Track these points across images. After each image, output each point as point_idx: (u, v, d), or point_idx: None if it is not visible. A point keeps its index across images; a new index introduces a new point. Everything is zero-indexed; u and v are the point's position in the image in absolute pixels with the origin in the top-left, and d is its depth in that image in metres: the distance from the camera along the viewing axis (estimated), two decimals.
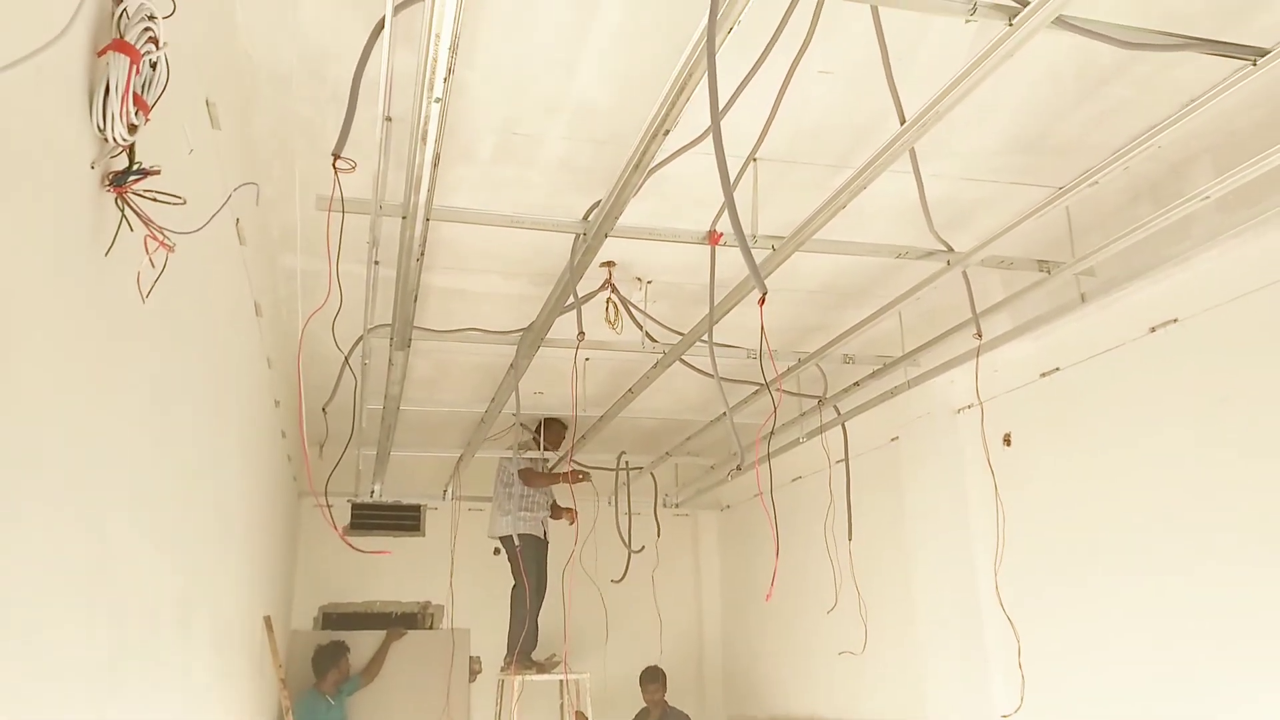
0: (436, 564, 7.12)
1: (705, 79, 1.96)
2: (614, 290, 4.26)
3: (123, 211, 1.52)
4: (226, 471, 3.46)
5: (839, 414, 5.25)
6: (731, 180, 3.30)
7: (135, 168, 1.50)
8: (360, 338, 4.11)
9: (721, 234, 3.40)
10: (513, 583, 6.40)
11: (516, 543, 6.22)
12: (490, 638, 6.98)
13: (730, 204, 1.77)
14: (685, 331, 4.19)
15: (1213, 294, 3.51)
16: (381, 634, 7.08)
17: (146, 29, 1.45)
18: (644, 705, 6.78)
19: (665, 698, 6.72)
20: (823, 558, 5.70)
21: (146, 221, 1.54)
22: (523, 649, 6.17)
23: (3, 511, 1.23)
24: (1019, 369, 4.45)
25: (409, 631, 7.22)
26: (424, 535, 7.62)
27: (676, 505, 7.77)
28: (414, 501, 7.57)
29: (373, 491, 6.75)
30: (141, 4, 1.45)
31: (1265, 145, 2.82)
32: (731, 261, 3.53)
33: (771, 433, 5.23)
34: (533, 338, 4.15)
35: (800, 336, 5.15)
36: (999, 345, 4.14)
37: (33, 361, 1.32)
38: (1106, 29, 2.30)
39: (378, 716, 6.87)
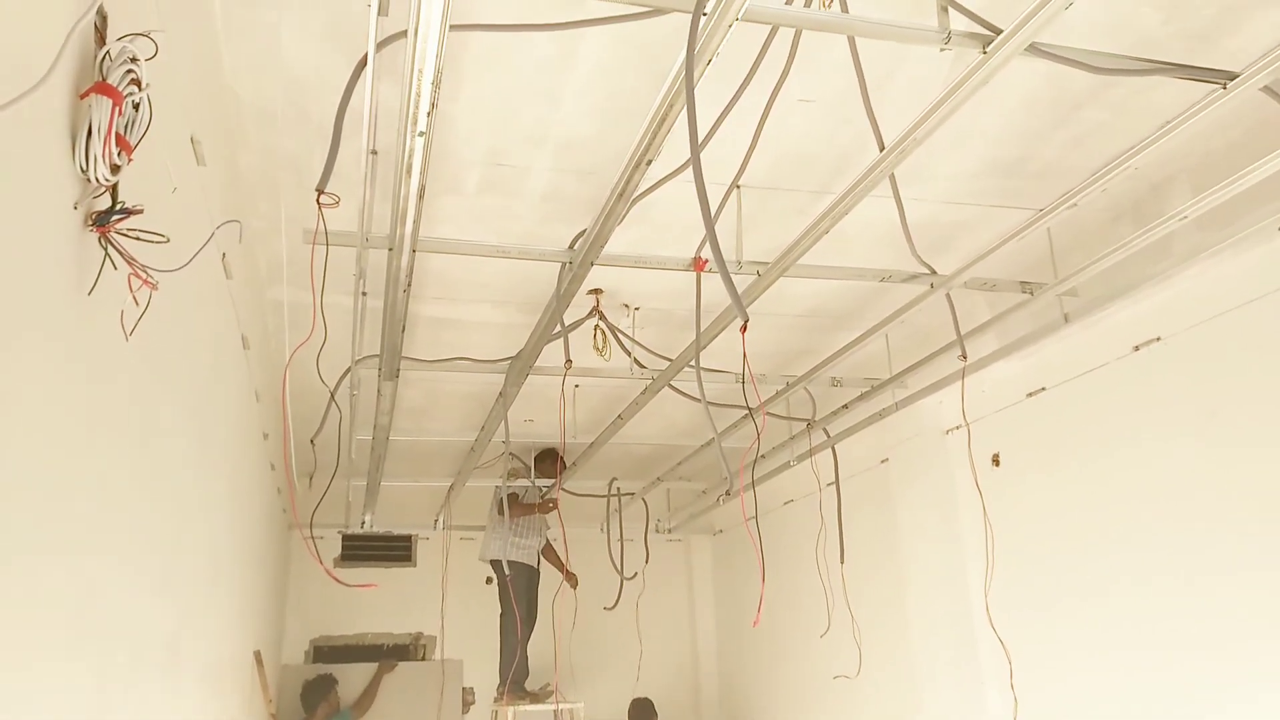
0: (428, 594, 7.08)
1: (685, 111, 1.98)
2: (601, 317, 4.28)
3: (106, 250, 1.52)
4: (215, 506, 3.44)
5: (828, 437, 5.26)
6: (715, 207, 3.36)
7: (118, 207, 1.51)
8: (348, 369, 4.12)
9: (706, 260, 3.43)
10: (500, 610, 6.35)
11: (507, 570, 6.19)
12: (483, 668, 6.93)
13: (711, 235, 1.79)
14: (673, 357, 4.20)
15: (1194, 312, 3.54)
16: (373, 667, 7.02)
17: (129, 71, 1.46)
18: None
19: None
20: (815, 581, 5.69)
21: (129, 260, 1.55)
22: (515, 679, 6.12)
23: None
24: (1006, 389, 4.47)
25: (401, 664, 7.15)
26: (415, 565, 7.57)
27: (669, 531, 7.75)
28: (405, 531, 7.54)
29: (363, 522, 6.72)
30: (124, 47, 1.46)
31: (1240, 165, 2.86)
32: (718, 287, 3.53)
33: (756, 460, 5.24)
34: (521, 366, 4.16)
35: (788, 360, 5.17)
36: (985, 366, 4.16)
37: (14, 402, 1.32)
38: (1079, 55, 2.34)
39: None
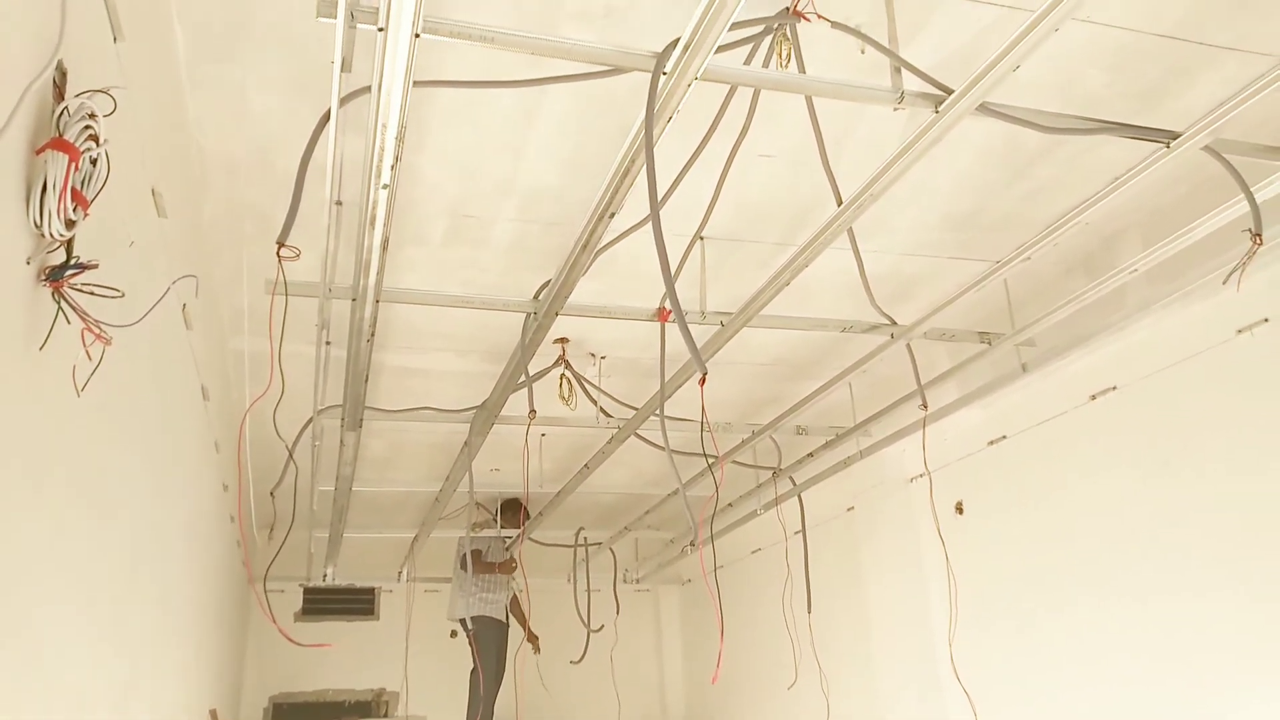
0: (391, 649, 6.95)
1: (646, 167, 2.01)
2: (567, 366, 4.29)
3: (59, 305, 1.51)
4: (170, 558, 3.37)
5: (794, 485, 5.27)
6: (679, 257, 3.39)
7: (73, 262, 1.50)
8: (310, 420, 4.07)
9: (670, 311, 3.45)
10: (472, 666, 6.25)
11: (470, 626, 6.10)
12: None
13: (671, 291, 1.81)
14: (640, 406, 4.21)
15: (1148, 362, 3.62)
16: None
17: (87, 127, 1.46)
18: None
19: None
20: (783, 631, 5.65)
21: (82, 315, 1.54)
22: None
23: None
24: (968, 438, 4.52)
25: None
26: (378, 619, 7.44)
27: (637, 581, 7.68)
28: (368, 584, 7.42)
29: (325, 575, 6.60)
30: (83, 103, 1.47)
31: (1188, 219, 2.95)
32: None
33: (715, 513, 5.23)
34: (486, 415, 4.14)
35: (754, 409, 5.19)
36: (947, 414, 4.21)
37: None
38: (1028, 115, 2.41)
39: None
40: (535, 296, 3.35)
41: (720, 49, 1.95)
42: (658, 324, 3.54)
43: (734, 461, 5.13)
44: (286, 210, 2.56)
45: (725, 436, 5.02)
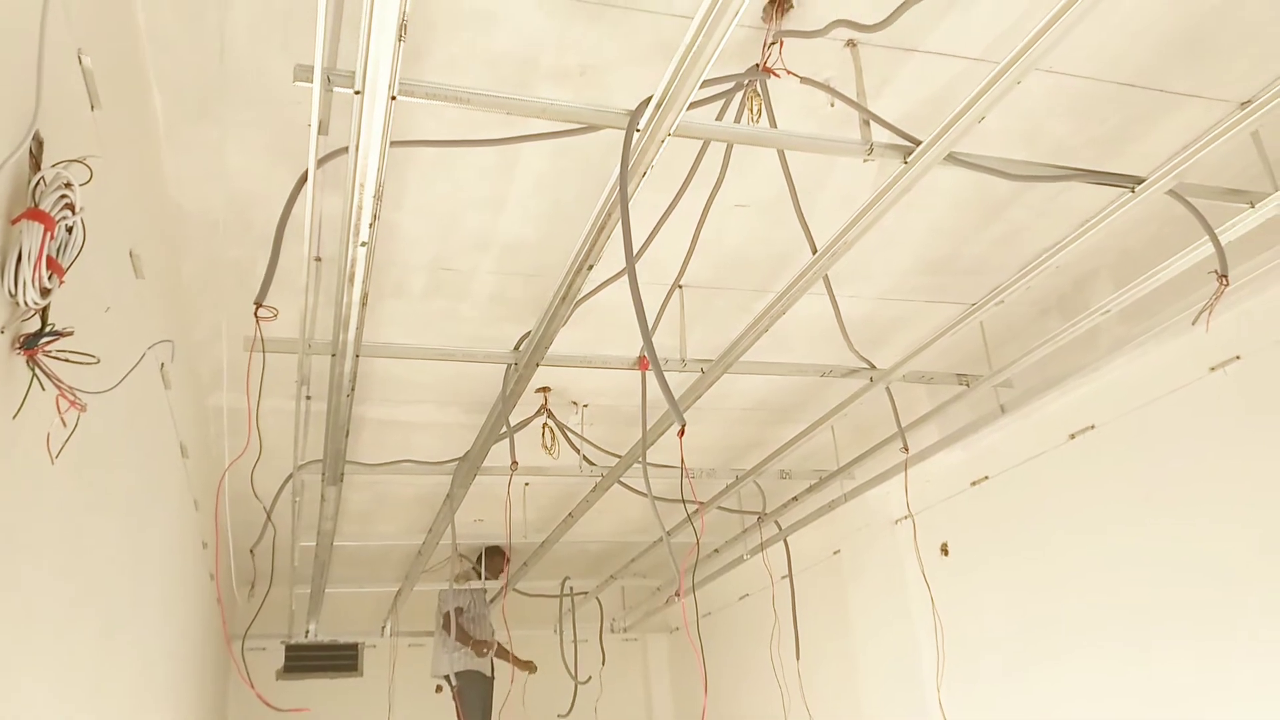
0: (376, 704, 6.81)
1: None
2: (550, 415, 4.28)
3: (34, 373, 1.50)
4: (149, 623, 3.31)
5: (780, 529, 5.26)
6: (658, 306, 3.42)
7: (48, 330, 1.49)
8: (290, 476, 4.04)
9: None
10: None
11: (454, 681, 6.00)
12: None
13: (648, 343, 1.82)
14: (623, 453, 4.20)
15: (1125, 401, 3.65)
16: None
17: (63, 196, 1.47)
18: None
19: None
20: (771, 678, 5.59)
21: (57, 382, 1.53)
22: None
23: None
24: (950, 479, 4.53)
25: None
26: (362, 675, 7.31)
27: (625, 630, 7.60)
28: (351, 640, 7.30)
29: (307, 631, 6.50)
30: (59, 173, 1.47)
31: (1157, 260, 3.00)
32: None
33: (697, 562, 5.21)
34: (468, 467, 4.12)
35: (738, 454, 5.19)
36: (928, 456, 4.23)
37: None
38: (996, 163, 2.46)
39: None
40: (516, 347, 3.36)
41: (692, 105, 1.99)
42: (637, 373, 3.55)
43: (719, 507, 5.11)
44: (264, 266, 2.58)
45: (709, 482, 5.01)
